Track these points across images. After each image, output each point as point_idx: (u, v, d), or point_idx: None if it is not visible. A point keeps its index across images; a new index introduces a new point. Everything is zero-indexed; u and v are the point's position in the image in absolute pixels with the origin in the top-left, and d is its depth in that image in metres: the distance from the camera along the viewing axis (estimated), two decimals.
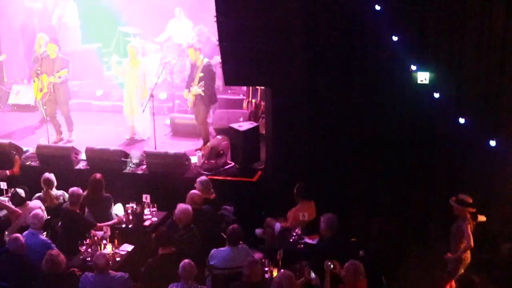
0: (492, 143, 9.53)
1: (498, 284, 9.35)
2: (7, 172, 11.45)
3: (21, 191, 10.06)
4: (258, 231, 10.00)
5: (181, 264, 7.67)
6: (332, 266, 7.77)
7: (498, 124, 9.91)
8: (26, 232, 8.97)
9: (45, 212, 9.68)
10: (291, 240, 9.35)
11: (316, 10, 10.33)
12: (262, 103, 12.78)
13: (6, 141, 12.37)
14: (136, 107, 12.92)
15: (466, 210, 8.54)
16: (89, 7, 16.76)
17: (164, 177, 11.29)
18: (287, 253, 8.74)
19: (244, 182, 11.28)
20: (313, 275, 7.84)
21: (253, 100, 13.39)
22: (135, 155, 11.92)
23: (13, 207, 9.84)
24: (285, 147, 11.08)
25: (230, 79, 11.05)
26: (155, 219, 10.02)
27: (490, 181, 10.31)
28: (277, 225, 9.79)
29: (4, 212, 10.06)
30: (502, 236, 10.06)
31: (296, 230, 9.42)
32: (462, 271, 8.58)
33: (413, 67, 9.95)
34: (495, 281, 9.41)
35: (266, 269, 8.27)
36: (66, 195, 10.10)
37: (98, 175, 10.19)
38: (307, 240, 9.31)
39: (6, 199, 10.28)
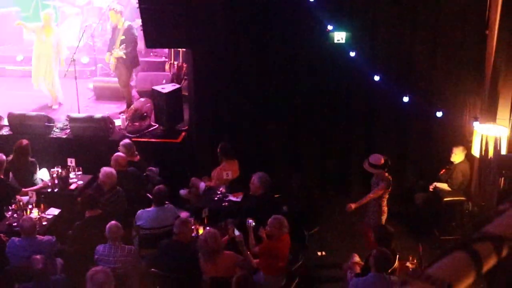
0: (405, 99, 9.92)
1: (413, 231, 9.87)
2: None
3: None
4: (182, 191, 10.11)
5: (108, 225, 7.75)
6: (253, 223, 8.03)
7: (411, 81, 10.32)
8: None
9: None
10: (215, 198, 9.53)
11: None
12: (184, 65, 12.86)
13: None
14: (50, 75, 12.74)
15: (381, 171, 8.69)
16: None
17: (88, 140, 11.26)
18: (212, 211, 8.98)
19: (168, 144, 11.37)
20: (237, 232, 7.98)
21: (175, 62, 13.42)
22: (58, 119, 11.88)
23: None
24: (207, 108, 11.24)
25: (151, 42, 11.06)
26: (80, 182, 10.06)
27: (404, 137, 10.75)
28: (202, 185, 9.94)
29: None
30: (416, 188, 10.54)
31: (221, 189, 9.61)
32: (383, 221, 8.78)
33: (330, 27, 10.21)
34: (410, 229, 9.93)
35: (192, 227, 8.40)
36: None
37: (25, 141, 10.11)
38: (232, 197, 9.52)
39: None
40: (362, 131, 10.97)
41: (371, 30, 10.34)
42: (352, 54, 10.14)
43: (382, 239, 7.59)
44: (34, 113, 11.84)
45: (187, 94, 11.98)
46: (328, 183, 10.94)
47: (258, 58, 10.88)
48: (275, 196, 9.33)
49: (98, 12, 15.26)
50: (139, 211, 8.79)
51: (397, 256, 7.59)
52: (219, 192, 9.60)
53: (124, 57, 12.09)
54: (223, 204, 9.43)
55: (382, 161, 8.62)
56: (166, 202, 8.83)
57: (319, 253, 9.52)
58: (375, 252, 7.13)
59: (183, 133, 11.54)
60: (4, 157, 9.72)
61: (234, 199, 9.50)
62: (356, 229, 9.59)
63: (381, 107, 10.63)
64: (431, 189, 10.14)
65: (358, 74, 10.28)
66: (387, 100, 10.22)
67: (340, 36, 10.20)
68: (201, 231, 8.40)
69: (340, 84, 10.72)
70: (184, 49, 12.54)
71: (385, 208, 8.76)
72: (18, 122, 11.54)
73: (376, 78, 10.02)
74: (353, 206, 8.69)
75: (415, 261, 7.70)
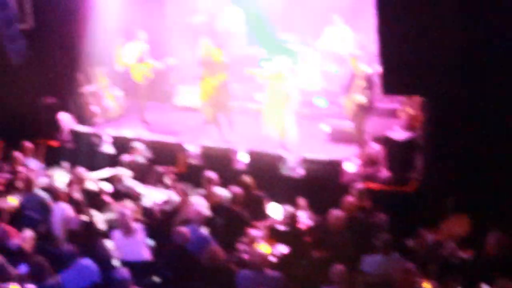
0: None
1: None
2: (174, 169, 12.17)
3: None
4: (410, 242, 9.98)
5: (333, 268, 7.87)
6: None
7: None
8: (188, 226, 9.43)
9: (206, 209, 10.14)
10: (444, 253, 9.24)
11: (475, 16, 10.10)
12: (419, 113, 12.69)
13: (173, 140, 13.17)
14: (280, 121, 12.97)
15: None
16: (251, 13, 17.15)
17: (319, 182, 11.53)
18: (440, 266, 8.73)
19: (398, 192, 11.30)
20: None
21: (409, 110, 13.31)
22: (291, 159, 12.25)
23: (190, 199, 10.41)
24: (442, 160, 10.96)
25: (389, 88, 11.02)
26: (310, 222, 10.26)
27: None
28: (430, 237, 9.74)
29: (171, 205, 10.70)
30: None
31: (450, 244, 9.34)
32: None
33: None
34: None
35: (418, 279, 8.15)
36: (227, 193, 10.56)
37: (247, 178, 10.65)
38: (461, 254, 9.17)
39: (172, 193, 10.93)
40: None
41: None
42: None
43: None
44: (268, 151, 12.35)
45: (420, 143, 11.81)
46: None
47: (498, 110, 10.43)
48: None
49: (336, 56, 15.55)
50: (365, 257, 8.80)
51: None
52: (447, 247, 9.30)
53: (365, 103, 12.22)
54: (451, 261, 9.12)
55: None
56: (392, 251, 8.71)
57: None
58: None
59: (415, 183, 11.38)
60: (241, 190, 10.20)
61: (463, 256, 9.15)
62: None
63: None
64: None
65: None
66: None
67: None
68: (426, 285, 8.17)
69: None
70: (419, 97, 12.39)
71: None
72: (254, 158, 12.09)
73: None
74: None
75: None
